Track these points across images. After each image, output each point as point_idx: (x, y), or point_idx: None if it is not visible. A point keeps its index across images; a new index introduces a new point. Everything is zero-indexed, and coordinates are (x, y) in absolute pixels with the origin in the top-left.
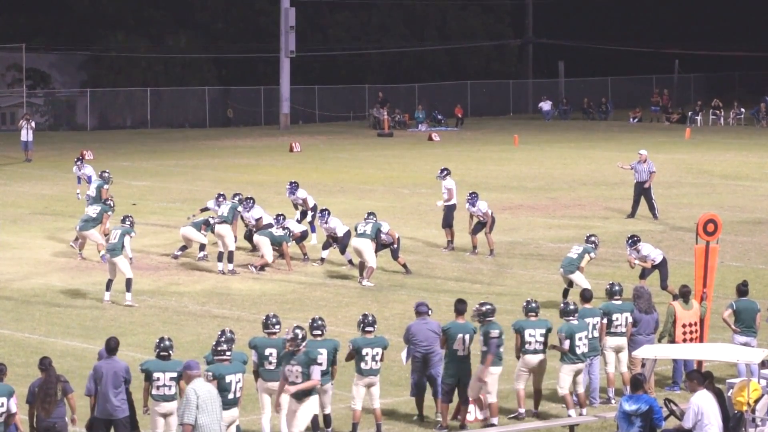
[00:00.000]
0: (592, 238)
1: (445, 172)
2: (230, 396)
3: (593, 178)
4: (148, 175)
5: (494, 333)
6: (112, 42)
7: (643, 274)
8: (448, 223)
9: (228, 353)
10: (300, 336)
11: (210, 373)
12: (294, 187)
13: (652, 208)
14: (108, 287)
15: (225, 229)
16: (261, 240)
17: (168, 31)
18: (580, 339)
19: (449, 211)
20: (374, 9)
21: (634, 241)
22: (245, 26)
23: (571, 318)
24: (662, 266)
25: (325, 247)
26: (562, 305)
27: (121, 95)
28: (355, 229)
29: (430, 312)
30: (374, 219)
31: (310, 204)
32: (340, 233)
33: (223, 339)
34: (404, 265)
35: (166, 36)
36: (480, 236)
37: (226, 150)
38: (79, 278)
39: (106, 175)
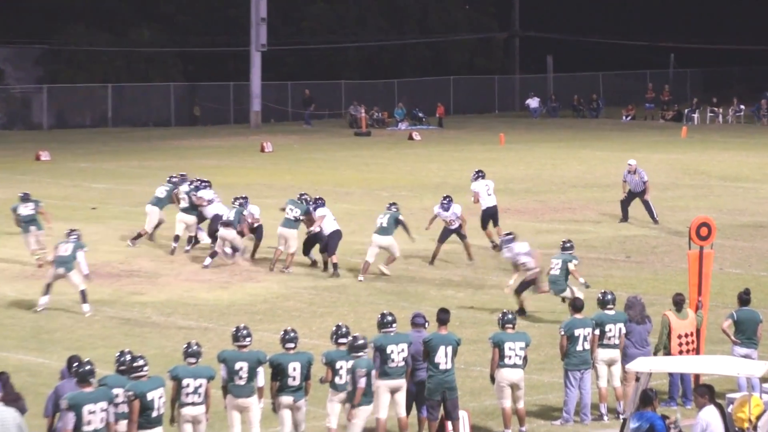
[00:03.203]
0: (568, 245)
1: (476, 175)
2: (154, 414)
3: (584, 180)
4: (109, 177)
5: (361, 372)
6: (71, 35)
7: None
8: (483, 225)
9: (145, 368)
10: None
11: (131, 393)
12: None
13: (651, 213)
14: (46, 291)
15: (230, 233)
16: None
17: (130, 23)
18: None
19: (482, 213)
20: (351, 0)
21: (509, 239)
22: (213, 18)
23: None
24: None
25: (307, 248)
26: (566, 302)
27: (80, 92)
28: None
29: (427, 324)
30: (395, 208)
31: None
32: (327, 229)
33: (138, 356)
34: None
35: (128, 29)
36: (448, 245)
37: (192, 150)
38: (33, 288)
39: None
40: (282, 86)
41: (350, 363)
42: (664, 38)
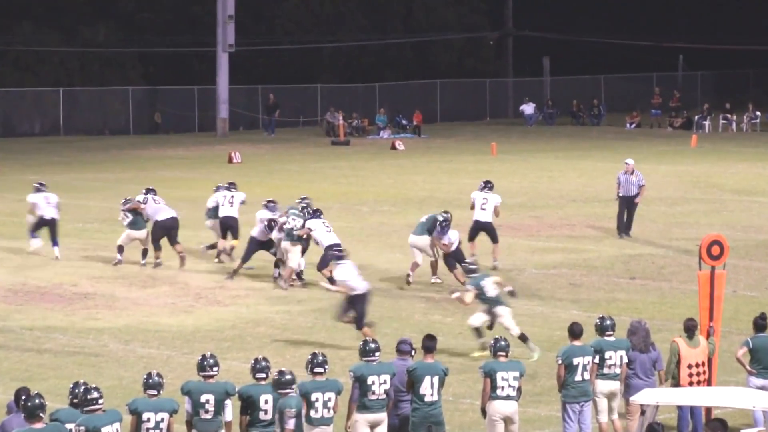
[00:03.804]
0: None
1: (483, 185)
2: None
3: (584, 194)
4: (61, 191)
5: (290, 412)
6: (17, 34)
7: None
8: (469, 237)
9: (100, 401)
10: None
11: (83, 428)
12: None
13: (629, 223)
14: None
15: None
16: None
17: (84, 21)
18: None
19: (472, 225)
20: None
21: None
22: (176, 16)
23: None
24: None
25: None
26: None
27: (28, 96)
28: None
29: (413, 352)
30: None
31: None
32: (324, 242)
33: (92, 387)
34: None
35: (82, 27)
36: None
37: (153, 161)
38: None
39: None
40: (252, 90)
41: (294, 400)
42: (672, 38)
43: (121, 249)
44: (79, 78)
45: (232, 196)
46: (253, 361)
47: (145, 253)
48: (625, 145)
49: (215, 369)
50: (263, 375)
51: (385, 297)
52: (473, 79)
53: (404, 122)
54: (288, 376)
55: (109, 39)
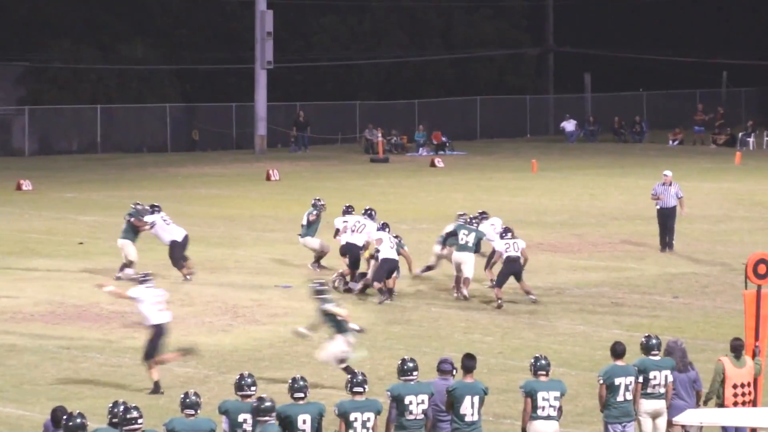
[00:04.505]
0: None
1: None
2: None
3: (626, 212)
4: (98, 209)
5: None
6: (55, 51)
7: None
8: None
9: (140, 420)
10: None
11: None
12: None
13: (670, 236)
14: None
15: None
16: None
17: (122, 38)
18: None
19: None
20: (367, 12)
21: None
22: (214, 33)
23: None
24: None
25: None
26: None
27: (66, 114)
28: (455, 237)
29: (455, 371)
30: (477, 224)
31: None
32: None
33: (131, 406)
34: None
35: (119, 44)
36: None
37: (190, 179)
38: (14, 329)
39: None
40: (290, 108)
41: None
42: (715, 54)
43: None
44: (117, 95)
45: (364, 225)
46: (290, 381)
47: (126, 266)
48: (667, 162)
49: (253, 388)
50: (301, 394)
51: (423, 314)
52: (513, 95)
53: (444, 139)
54: (268, 403)
55: (147, 56)
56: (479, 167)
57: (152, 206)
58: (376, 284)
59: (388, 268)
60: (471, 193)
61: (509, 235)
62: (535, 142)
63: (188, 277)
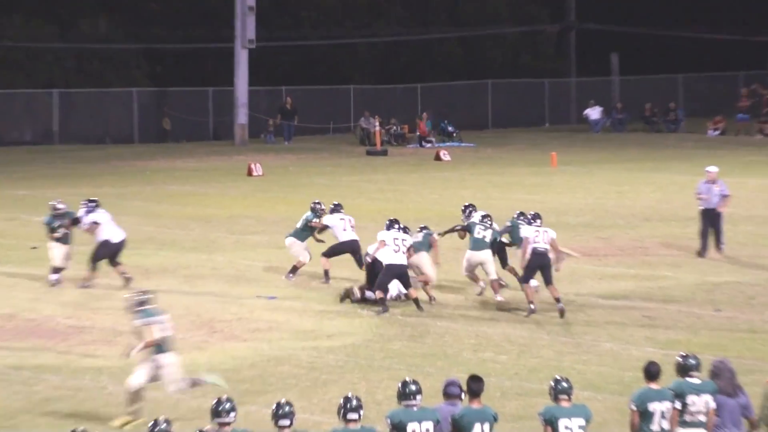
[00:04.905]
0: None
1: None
2: None
3: (659, 212)
4: None
5: None
6: (5, 28)
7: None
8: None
9: None
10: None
11: None
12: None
13: (718, 237)
14: None
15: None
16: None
17: (83, 14)
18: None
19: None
20: None
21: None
22: (187, 7)
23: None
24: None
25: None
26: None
27: (18, 99)
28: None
29: (463, 395)
30: (490, 222)
31: None
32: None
33: None
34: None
35: (80, 21)
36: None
37: (160, 174)
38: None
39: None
40: (274, 93)
41: None
42: (761, 31)
43: (58, 270)
44: (76, 78)
45: (350, 219)
46: (275, 406)
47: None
48: (706, 155)
49: (232, 415)
50: (287, 422)
51: (426, 329)
52: (530, 79)
53: (450, 128)
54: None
55: (111, 34)
56: (490, 161)
57: (89, 201)
58: (378, 293)
59: (393, 275)
60: (481, 190)
61: (538, 222)
62: (555, 133)
63: (86, 284)
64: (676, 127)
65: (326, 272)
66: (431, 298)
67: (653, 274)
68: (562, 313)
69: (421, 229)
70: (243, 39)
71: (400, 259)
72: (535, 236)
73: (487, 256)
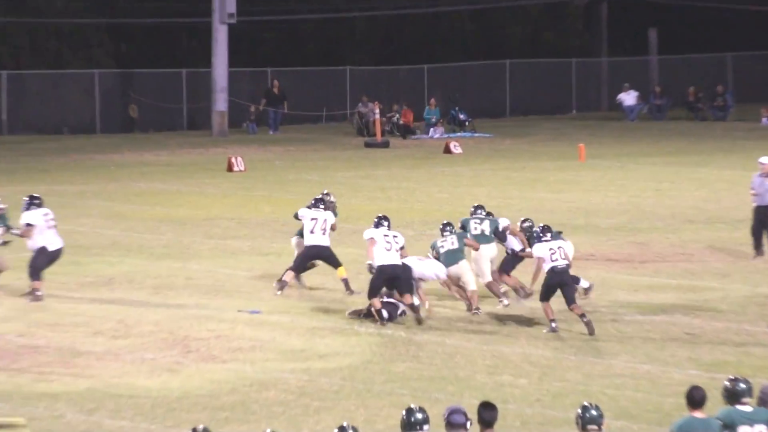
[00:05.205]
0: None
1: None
2: None
3: (704, 212)
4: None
5: None
6: None
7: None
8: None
9: None
10: None
11: None
12: None
13: None
14: None
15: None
16: None
17: None
18: None
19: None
20: None
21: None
22: None
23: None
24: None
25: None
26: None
27: None
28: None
29: (469, 424)
30: (483, 212)
31: None
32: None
33: None
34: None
35: None
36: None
37: (127, 169)
38: None
39: None
40: (258, 75)
41: None
42: None
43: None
44: (29, 59)
45: (324, 220)
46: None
47: None
48: (759, 146)
49: None
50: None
51: (435, 347)
52: (554, 59)
53: (462, 116)
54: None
55: (69, 7)
56: (509, 154)
57: (31, 198)
58: (375, 302)
59: (385, 279)
60: (498, 188)
61: (548, 235)
62: (584, 121)
63: (38, 293)
64: (724, 115)
65: (298, 281)
66: (476, 309)
67: (697, 285)
68: (590, 329)
69: (445, 227)
70: (222, 13)
71: (393, 259)
72: (551, 254)
73: (494, 250)
